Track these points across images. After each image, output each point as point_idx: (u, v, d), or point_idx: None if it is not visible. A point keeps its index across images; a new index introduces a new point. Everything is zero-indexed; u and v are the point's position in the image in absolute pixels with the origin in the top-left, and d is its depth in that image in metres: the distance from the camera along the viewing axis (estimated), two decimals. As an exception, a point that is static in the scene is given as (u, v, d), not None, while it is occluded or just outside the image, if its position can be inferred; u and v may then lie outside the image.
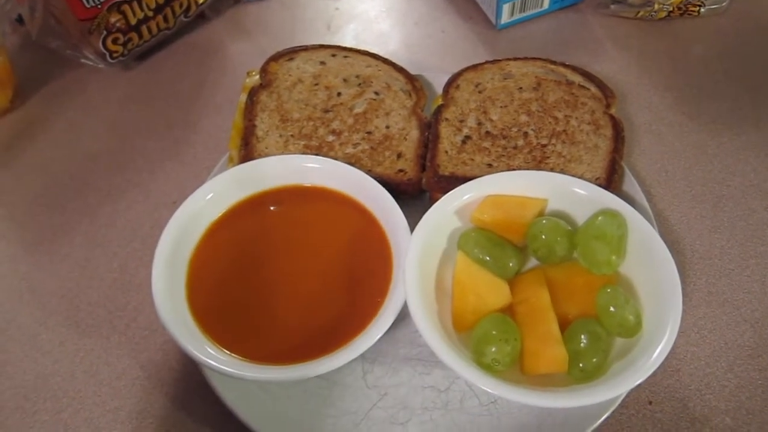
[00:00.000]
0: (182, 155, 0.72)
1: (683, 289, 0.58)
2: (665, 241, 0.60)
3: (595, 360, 0.48)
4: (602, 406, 0.50)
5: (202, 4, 0.81)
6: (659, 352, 0.46)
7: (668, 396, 0.54)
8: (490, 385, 0.46)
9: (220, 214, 0.58)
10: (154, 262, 0.53)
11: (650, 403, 0.53)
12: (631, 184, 0.61)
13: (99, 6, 0.71)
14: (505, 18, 0.80)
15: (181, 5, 0.79)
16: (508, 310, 0.52)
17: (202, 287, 0.55)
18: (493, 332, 0.49)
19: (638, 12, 0.80)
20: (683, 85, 0.74)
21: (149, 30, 0.77)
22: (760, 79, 0.75)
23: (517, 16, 0.80)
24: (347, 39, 0.82)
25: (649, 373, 0.45)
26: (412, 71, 0.71)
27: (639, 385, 0.53)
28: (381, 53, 0.71)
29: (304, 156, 0.60)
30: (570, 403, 0.45)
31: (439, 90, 0.68)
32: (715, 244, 0.62)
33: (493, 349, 0.48)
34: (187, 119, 0.75)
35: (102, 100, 0.78)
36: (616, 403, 0.50)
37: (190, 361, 0.56)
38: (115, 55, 0.76)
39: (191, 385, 0.56)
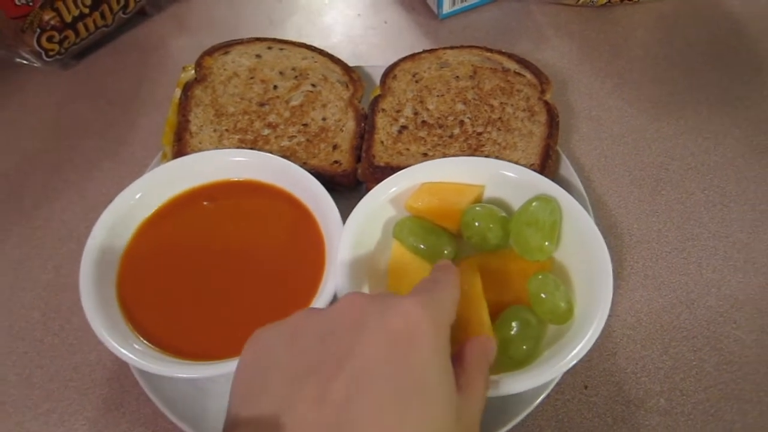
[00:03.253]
0: (120, 154, 0.70)
1: (620, 273, 0.59)
2: (603, 226, 0.60)
3: (525, 347, 0.48)
4: (533, 393, 0.49)
5: (140, 0, 0.80)
6: (585, 343, 0.46)
7: (604, 380, 0.54)
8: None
9: (151, 213, 0.57)
10: (82, 263, 0.52)
11: (586, 387, 0.53)
12: (567, 169, 0.61)
13: (31, 4, 0.70)
14: (447, 8, 0.79)
15: (118, 2, 0.77)
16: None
17: (133, 286, 0.54)
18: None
19: (579, -1, 0.80)
20: (623, 71, 0.75)
21: (86, 27, 0.76)
22: (699, 63, 0.75)
23: (459, 5, 0.80)
24: (290, 32, 0.81)
25: (572, 364, 0.45)
26: (354, 63, 0.71)
27: (574, 370, 0.54)
28: (324, 46, 0.70)
29: (232, 150, 0.59)
30: (494, 393, 0.45)
31: (378, 81, 0.67)
32: (653, 227, 0.62)
33: (422, 338, 0.47)
34: (126, 117, 0.74)
35: (39, 100, 0.76)
36: (547, 390, 0.50)
37: (123, 360, 0.55)
38: (51, 53, 0.75)
39: (125, 385, 0.55)
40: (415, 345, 0.34)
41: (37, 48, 0.73)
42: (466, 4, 0.80)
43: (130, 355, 0.48)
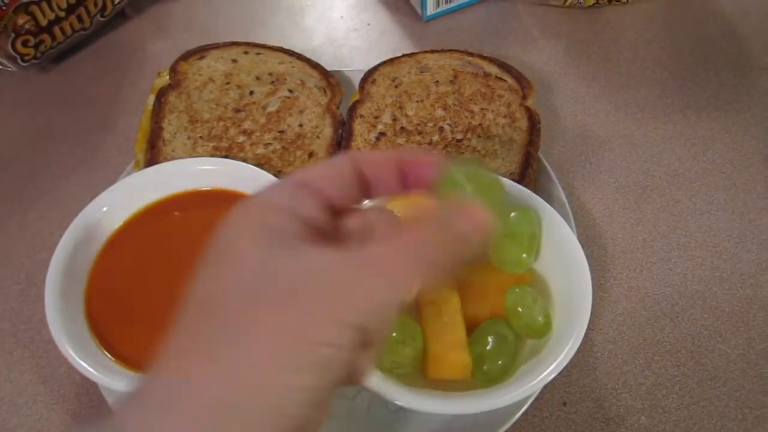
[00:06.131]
0: (97, 160, 0.69)
1: (603, 285, 0.58)
2: (586, 236, 0.58)
3: (500, 363, 0.46)
4: (510, 410, 0.48)
5: (119, 3, 0.78)
6: (562, 358, 0.44)
7: (584, 396, 0.52)
8: (388, 392, 0.44)
9: (121, 224, 0.55)
10: (48, 276, 0.51)
11: (565, 404, 0.52)
12: (549, 177, 0.60)
13: (4, 7, 0.68)
14: (431, 9, 0.78)
15: (95, 4, 0.76)
16: (415, 310, 0.50)
17: (102, 300, 0.52)
18: (391, 334, 0.47)
19: (566, 0, 0.78)
20: (611, 74, 0.73)
21: (62, 31, 0.74)
22: (688, 65, 0.73)
23: (444, 6, 0.78)
24: (271, 34, 0.80)
25: (548, 380, 0.43)
26: (336, 67, 0.69)
27: (553, 386, 0.52)
28: (305, 49, 0.69)
29: (203, 159, 0.57)
30: (465, 409, 0.43)
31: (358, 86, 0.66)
32: (638, 236, 0.60)
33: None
34: (103, 122, 0.72)
35: (14, 105, 0.75)
36: (524, 407, 0.48)
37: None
38: (26, 58, 0.73)
39: (94, 400, 0.54)
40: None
41: (12, 52, 0.72)
42: (451, 5, 0.78)
43: (95, 372, 0.47)
